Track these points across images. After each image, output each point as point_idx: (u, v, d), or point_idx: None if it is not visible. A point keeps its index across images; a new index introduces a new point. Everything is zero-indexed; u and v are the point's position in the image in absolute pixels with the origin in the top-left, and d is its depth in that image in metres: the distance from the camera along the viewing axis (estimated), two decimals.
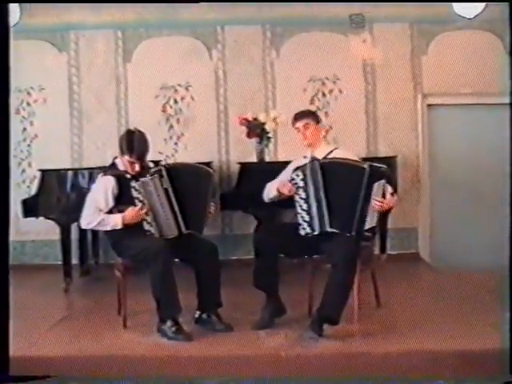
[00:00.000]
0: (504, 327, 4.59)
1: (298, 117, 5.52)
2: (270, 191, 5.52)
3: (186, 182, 5.40)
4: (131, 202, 5.27)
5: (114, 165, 5.53)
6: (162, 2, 8.24)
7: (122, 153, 5.35)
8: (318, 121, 5.53)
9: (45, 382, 4.51)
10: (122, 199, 5.33)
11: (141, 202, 5.25)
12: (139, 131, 5.48)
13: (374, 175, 5.08)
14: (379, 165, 5.20)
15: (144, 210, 5.24)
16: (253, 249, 5.40)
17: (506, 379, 4.31)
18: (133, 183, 5.25)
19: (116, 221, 5.31)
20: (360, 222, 5.11)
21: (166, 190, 5.32)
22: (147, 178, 5.26)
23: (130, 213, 5.26)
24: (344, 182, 5.16)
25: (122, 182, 5.33)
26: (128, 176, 5.33)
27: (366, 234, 5.16)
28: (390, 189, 5.22)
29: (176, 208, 5.35)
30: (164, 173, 5.33)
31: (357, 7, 8.41)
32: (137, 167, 5.32)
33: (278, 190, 5.40)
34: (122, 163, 5.43)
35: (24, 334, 5.27)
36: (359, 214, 5.09)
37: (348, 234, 5.12)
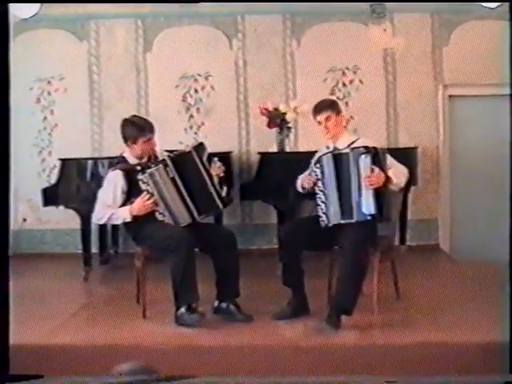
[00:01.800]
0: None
1: (318, 109, 5.46)
2: (299, 186, 5.54)
3: (184, 168, 5.37)
4: (141, 193, 5.28)
5: (122, 158, 5.53)
6: (162, 1, 8.25)
7: (130, 140, 5.40)
8: (338, 111, 5.48)
9: (45, 382, 4.51)
10: (133, 193, 5.33)
11: (150, 193, 5.25)
12: (134, 115, 5.67)
13: (356, 156, 5.10)
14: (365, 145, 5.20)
15: (151, 200, 5.23)
16: (275, 241, 5.40)
17: (506, 379, 4.28)
18: (139, 176, 5.24)
19: (124, 214, 5.31)
20: (359, 207, 5.13)
21: (172, 179, 5.32)
22: (152, 169, 5.26)
23: (137, 204, 5.26)
24: (346, 171, 5.17)
25: (131, 176, 5.32)
26: (138, 168, 5.33)
27: (367, 215, 5.12)
28: (389, 162, 5.23)
29: (186, 195, 5.34)
30: (169, 162, 5.32)
31: None
32: (153, 143, 5.41)
33: (303, 187, 5.42)
34: (134, 151, 5.44)
35: (42, 322, 5.31)
36: (354, 199, 5.13)
37: (353, 221, 5.14)
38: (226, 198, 5.56)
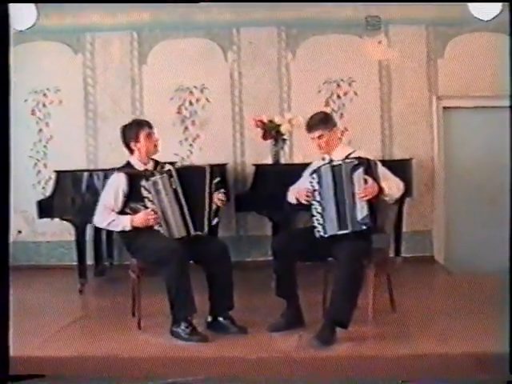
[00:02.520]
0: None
1: (310, 127, 5.45)
2: (292, 199, 5.51)
3: (189, 182, 5.38)
4: (141, 200, 5.29)
5: (128, 163, 5.55)
6: (161, 2, 8.26)
7: (132, 140, 5.48)
8: (332, 125, 5.47)
9: (45, 382, 4.52)
10: (132, 197, 5.34)
11: (150, 201, 5.26)
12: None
13: (348, 167, 5.12)
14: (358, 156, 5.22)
15: (153, 216, 5.24)
16: (270, 253, 5.39)
17: (505, 379, 4.29)
18: (143, 182, 5.26)
19: (125, 223, 5.32)
20: (353, 218, 5.13)
21: (175, 191, 5.33)
22: (157, 177, 5.28)
23: (140, 216, 5.28)
24: (341, 183, 5.17)
25: (134, 180, 5.34)
26: (141, 169, 5.41)
27: (361, 225, 5.11)
28: (384, 174, 5.24)
29: (185, 209, 5.34)
30: (174, 173, 5.36)
31: (373, 8, 8.40)
32: (156, 137, 5.52)
33: (297, 199, 5.41)
34: (140, 152, 5.49)
35: (37, 333, 5.31)
36: (349, 210, 5.13)
37: (348, 232, 5.14)
38: (213, 227, 5.56)
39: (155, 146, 5.52)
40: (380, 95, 8.60)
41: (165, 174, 5.32)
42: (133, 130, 5.49)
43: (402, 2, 8.19)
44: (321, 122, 5.45)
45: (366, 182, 5.06)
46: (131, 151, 5.52)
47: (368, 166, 5.10)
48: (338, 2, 8.23)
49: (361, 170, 5.08)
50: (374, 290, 5.29)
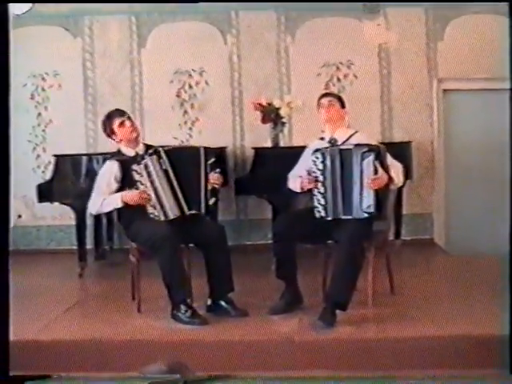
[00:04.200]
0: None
1: (325, 94, 5.60)
2: (296, 188, 5.49)
3: (178, 163, 5.40)
4: (134, 185, 5.30)
5: (119, 151, 5.56)
6: (160, 1, 8.25)
7: (108, 131, 5.55)
8: (343, 105, 5.54)
9: (44, 382, 4.51)
10: (125, 183, 5.36)
11: (143, 184, 5.27)
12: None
13: (359, 153, 5.12)
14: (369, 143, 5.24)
15: (145, 195, 5.25)
16: (269, 236, 5.39)
17: (505, 379, 4.29)
18: (134, 166, 5.28)
19: (116, 200, 5.33)
20: (358, 205, 5.14)
21: (165, 171, 5.35)
22: (147, 160, 5.30)
23: (131, 193, 5.28)
24: (349, 168, 5.18)
25: (126, 167, 5.35)
26: (132, 154, 5.42)
27: (365, 213, 5.12)
28: (390, 163, 5.23)
29: (177, 189, 5.36)
30: (163, 154, 5.38)
31: None
32: (128, 124, 5.47)
33: (302, 189, 5.40)
34: (122, 142, 5.52)
35: (37, 318, 5.32)
36: (355, 196, 5.15)
37: (350, 217, 5.16)
38: (210, 207, 5.52)
39: (132, 132, 5.48)
40: (379, 78, 8.58)
41: (154, 156, 5.34)
42: (106, 124, 5.53)
43: None
44: (335, 95, 5.68)
45: (375, 169, 5.06)
46: (115, 141, 5.56)
47: (378, 154, 5.10)
48: None
49: (371, 158, 5.07)
50: (373, 272, 5.29)
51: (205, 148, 5.54)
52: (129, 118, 5.53)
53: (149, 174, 5.29)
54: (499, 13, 8.16)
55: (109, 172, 5.41)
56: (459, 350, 4.55)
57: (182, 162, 5.42)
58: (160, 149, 5.43)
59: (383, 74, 8.57)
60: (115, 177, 5.37)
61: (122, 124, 5.46)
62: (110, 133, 5.52)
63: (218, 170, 5.53)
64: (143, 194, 5.25)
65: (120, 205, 5.32)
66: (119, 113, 5.54)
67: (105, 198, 5.37)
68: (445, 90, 8.61)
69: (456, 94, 8.61)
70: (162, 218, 5.30)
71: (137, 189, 5.27)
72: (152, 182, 5.30)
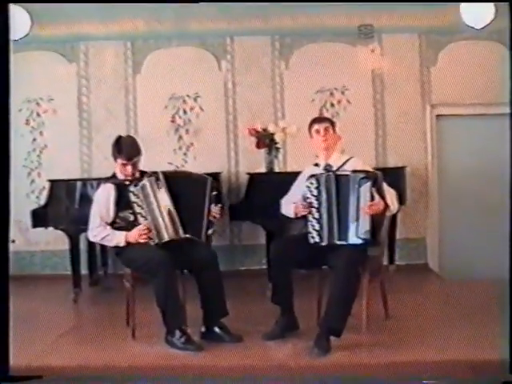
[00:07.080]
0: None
1: (319, 120, 5.62)
2: (290, 214, 5.49)
3: (182, 188, 5.43)
4: (130, 207, 5.32)
5: (114, 175, 5.57)
6: (159, 2, 8.26)
7: (115, 159, 5.47)
8: (335, 129, 5.57)
9: (44, 382, 4.51)
10: (121, 206, 5.37)
11: (139, 206, 5.29)
12: (128, 136, 5.76)
13: (356, 180, 5.12)
14: (366, 169, 5.27)
15: (146, 231, 5.27)
16: (264, 262, 5.38)
17: (505, 379, 4.29)
18: (131, 188, 5.30)
19: (119, 239, 5.36)
20: (354, 231, 5.14)
21: (163, 194, 5.37)
22: (144, 181, 5.33)
23: (134, 233, 5.30)
24: (346, 194, 5.18)
25: (121, 189, 5.37)
26: (127, 182, 5.39)
27: (361, 239, 5.13)
28: (386, 190, 5.22)
29: (173, 212, 5.37)
30: (161, 176, 5.40)
31: (366, 16, 8.42)
32: (129, 169, 5.41)
33: (296, 214, 5.40)
34: (118, 169, 5.49)
35: (32, 343, 5.30)
36: (351, 222, 5.14)
37: (343, 243, 5.15)
38: (209, 237, 5.54)
39: (126, 175, 5.45)
40: (373, 103, 8.62)
41: (152, 177, 5.37)
42: (114, 152, 5.47)
43: (396, 8, 8.22)
44: (328, 119, 5.75)
45: (372, 196, 5.08)
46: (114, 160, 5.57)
47: (376, 181, 5.12)
48: (332, 3, 8.18)
49: (369, 184, 5.08)
50: (367, 297, 5.29)
51: (213, 179, 5.65)
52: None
53: (145, 196, 5.31)
54: (492, 39, 8.23)
55: (107, 195, 5.42)
56: (454, 375, 4.55)
57: (187, 188, 5.47)
58: (158, 171, 5.46)
59: (377, 99, 8.61)
60: (113, 200, 5.39)
61: (123, 165, 5.43)
62: (114, 158, 5.48)
63: (220, 204, 5.58)
64: (143, 230, 5.28)
65: (123, 244, 5.35)
66: (127, 154, 5.42)
67: (108, 233, 5.38)
68: (438, 116, 8.65)
69: (449, 120, 8.64)
70: (156, 241, 5.31)
71: (132, 212, 5.31)
72: (148, 204, 5.32)
